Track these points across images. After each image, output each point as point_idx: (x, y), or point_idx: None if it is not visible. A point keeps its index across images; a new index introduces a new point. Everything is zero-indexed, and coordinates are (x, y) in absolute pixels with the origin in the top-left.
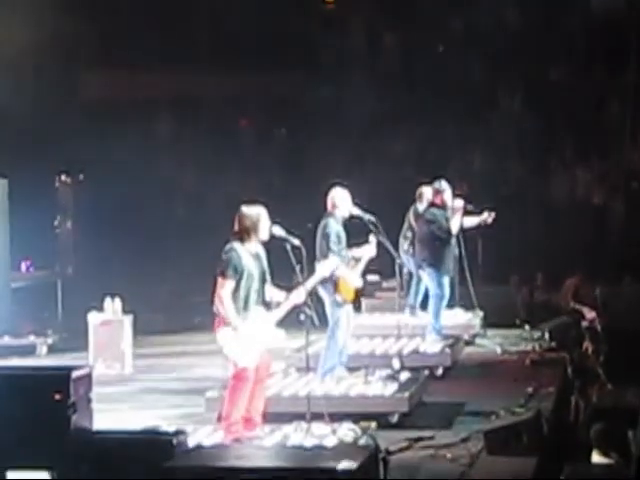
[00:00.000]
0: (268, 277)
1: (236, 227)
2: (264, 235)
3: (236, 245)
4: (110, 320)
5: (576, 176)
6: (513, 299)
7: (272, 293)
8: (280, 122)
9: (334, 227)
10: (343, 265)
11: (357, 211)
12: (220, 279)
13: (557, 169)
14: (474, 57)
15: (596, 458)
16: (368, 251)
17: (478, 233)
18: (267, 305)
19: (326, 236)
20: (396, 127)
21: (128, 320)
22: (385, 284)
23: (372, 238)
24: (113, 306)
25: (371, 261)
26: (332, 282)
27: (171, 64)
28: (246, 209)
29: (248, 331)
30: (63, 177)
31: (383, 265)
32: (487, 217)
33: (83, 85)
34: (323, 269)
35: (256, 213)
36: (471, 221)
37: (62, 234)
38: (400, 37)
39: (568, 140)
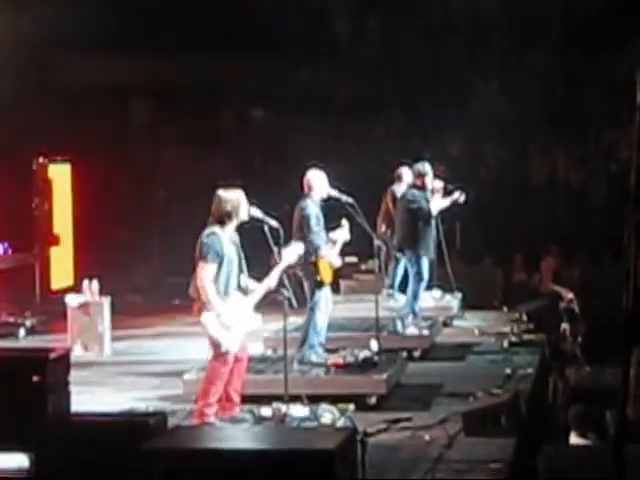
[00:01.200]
0: (244, 264)
1: (215, 211)
2: (244, 218)
3: (217, 229)
4: (88, 302)
5: (555, 157)
6: (491, 281)
7: (247, 282)
8: (259, 105)
9: (313, 209)
10: (323, 246)
11: (335, 193)
12: (202, 263)
13: (536, 151)
14: (453, 41)
15: (574, 439)
16: (342, 235)
17: (457, 214)
18: (242, 290)
19: (306, 218)
20: (376, 110)
21: (106, 302)
22: (363, 266)
23: (344, 222)
24: (91, 288)
25: (349, 243)
26: (311, 263)
27: (151, 48)
28: (226, 193)
29: (230, 315)
30: (41, 159)
31: (361, 247)
32: (459, 196)
33: (62, 68)
34: (289, 254)
35: (236, 197)
36: (443, 202)
37: (40, 216)
38: (381, 21)
39: (547, 122)
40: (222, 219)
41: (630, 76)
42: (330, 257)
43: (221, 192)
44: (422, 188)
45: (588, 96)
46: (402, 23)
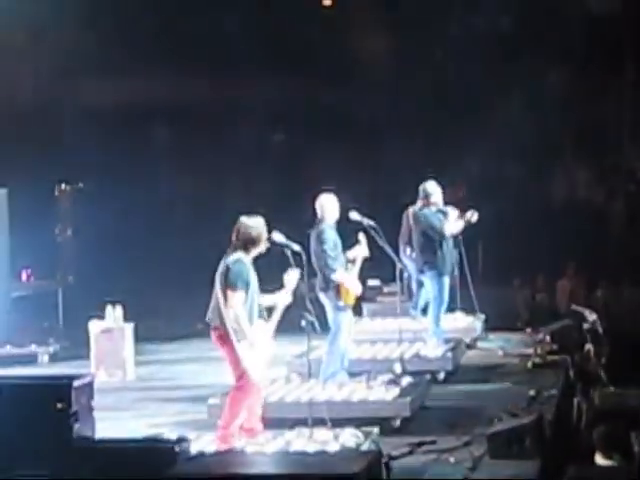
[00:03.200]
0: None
1: (239, 238)
2: (265, 246)
3: (242, 256)
4: (111, 328)
5: (576, 177)
6: (514, 302)
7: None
8: (278, 127)
9: (329, 234)
10: (342, 270)
11: (357, 216)
12: (230, 292)
13: (557, 170)
14: (472, 59)
15: (599, 460)
16: (361, 251)
17: (478, 236)
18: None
19: (322, 243)
20: (395, 130)
21: (129, 328)
22: (386, 289)
23: (362, 237)
24: (114, 314)
25: (372, 265)
26: (333, 287)
27: (170, 71)
28: (250, 220)
29: (259, 345)
30: (63, 185)
31: (384, 269)
32: (471, 216)
33: (82, 92)
34: (291, 282)
35: (261, 224)
36: (457, 225)
37: (62, 242)
38: (399, 41)
39: (567, 141)
40: (246, 246)
41: None
42: (349, 282)
43: (244, 219)
44: (430, 206)
45: (608, 115)
46: (421, 42)
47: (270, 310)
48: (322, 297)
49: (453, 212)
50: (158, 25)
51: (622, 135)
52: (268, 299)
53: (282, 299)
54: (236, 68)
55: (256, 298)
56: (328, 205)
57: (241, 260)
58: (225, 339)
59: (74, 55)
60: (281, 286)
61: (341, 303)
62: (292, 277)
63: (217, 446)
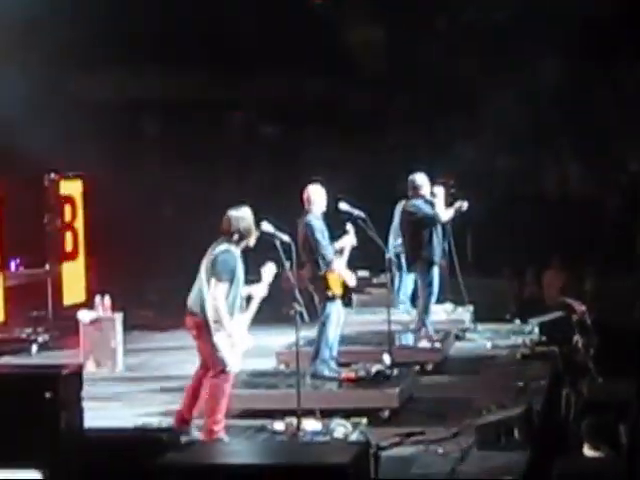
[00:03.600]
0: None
1: (228, 229)
2: (254, 239)
3: (231, 247)
4: (100, 318)
5: (567, 170)
6: (503, 293)
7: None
8: (269, 119)
9: (317, 224)
10: (333, 259)
11: (346, 207)
12: (215, 281)
13: (548, 163)
14: (464, 51)
15: (587, 452)
16: (348, 241)
17: (468, 226)
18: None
19: (312, 233)
20: (386, 122)
21: (119, 317)
22: (375, 280)
23: (349, 227)
24: (103, 304)
25: (361, 256)
26: (321, 277)
27: (162, 64)
28: (238, 212)
29: (237, 336)
30: (52, 175)
31: (373, 261)
32: (460, 205)
33: (73, 84)
34: (267, 275)
35: (249, 216)
36: (447, 213)
37: (51, 233)
38: (391, 33)
39: (559, 134)
40: (235, 238)
41: None
42: (341, 272)
43: (233, 211)
44: (419, 198)
45: (601, 108)
46: (412, 34)
47: (248, 301)
48: (311, 288)
49: (440, 200)
50: (150, 20)
51: (615, 127)
52: (244, 290)
53: (258, 291)
54: (226, 61)
55: (240, 291)
56: (315, 196)
57: (229, 251)
58: (202, 327)
59: (64, 47)
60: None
61: (330, 293)
62: (269, 270)
63: (204, 437)
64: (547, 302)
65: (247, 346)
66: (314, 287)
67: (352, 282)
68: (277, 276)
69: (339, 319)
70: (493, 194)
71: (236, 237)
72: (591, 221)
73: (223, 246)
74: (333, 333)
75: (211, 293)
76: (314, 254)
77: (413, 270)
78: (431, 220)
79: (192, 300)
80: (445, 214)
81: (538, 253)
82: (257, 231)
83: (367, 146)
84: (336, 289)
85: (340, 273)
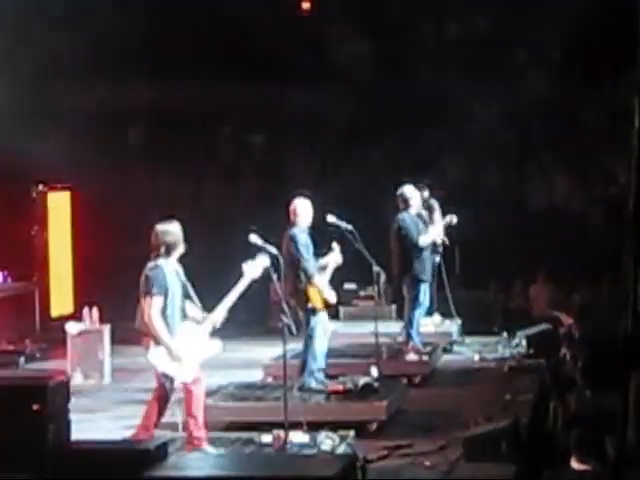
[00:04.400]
0: (191, 293)
1: (156, 244)
2: (182, 250)
3: (160, 262)
4: (88, 330)
5: (555, 182)
6: (491, 306)
7: (193, 312)
8: (257, 129)
9: (301, 237)
10: (316, 273)
11: (334, 220)
12: (147, 298)
13: (536, 175)
14: (450, 66)
15: (574, 465)
16: (333, 258)
17: (456, 240)
18: (193, 319)
19: (296, 247)
20: (373, 135)
21: (106, 329)
22: (362, 292)
23: (335, 245)
24: (91, 315)
25: (348, 269)
26: (302, 290)
27: (149, 74)
28: (165, 226)
29: (180, 347)
30: (40, 187)
31: (360, 273)
32: (450, 220)
33: (60, 95)
34: (253, 268)
35: (176, 229)
36: (437, 229)
37: (39, 244)
38: (374, 45)
39: (547, 146)
40: (164, 251)
41: (629, 101)
42: (322, 287)
43: (159, 226)
44: (411, 210)
45: (587, 120)
46: (399, 46)
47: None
48: (292, 301)
49: (437, 212)
50: (137, 29)
51: (601, 139)
52: (322, 261)
53: (333, 259)
54: (214, 71)
55: (177, 301)
56: (302, 210)
57: (157, 266)
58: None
59: (53, 56)
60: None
61: (311, 306)
62: (336, 246)
63: (188, 449)
64: (535, 315)
65: (209, 353)
66: (296, 300)
67: (332, 299)
68: (265, 289)
69: (325, 331)
70: (480, 207)
71: (162, 250)
72: (578, 234)
73: (151, 263)
74: (320, 345)
75: (145, 310)
76: (296, 267)
77: (402, 283)
78: (410, 243)
79: (137, 321)
80: (430, 235)
81: (525, 266)
82: (182, 243)
83: (354, 158)
84: (317, 302)
85: (321, 289)
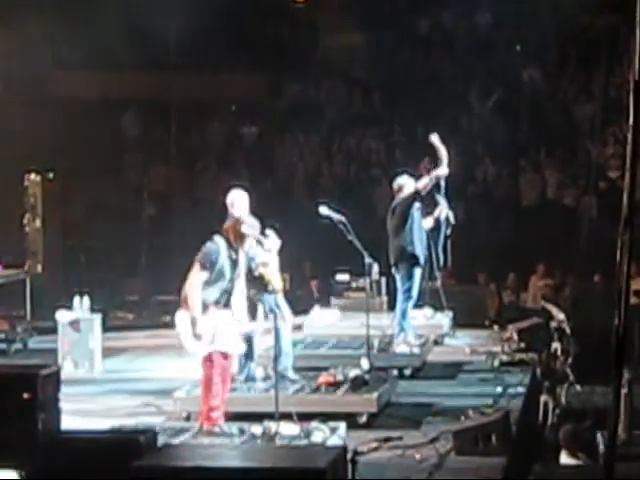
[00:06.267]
0: (243, 282)
1: (227, 225)
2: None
3: (219, 239)
4: (79, 319)
5: (546, 175)
6: (482, 299)
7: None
8: (249, 121)
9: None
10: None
11: (326, 211)
12: (196, 266)
13: (527, 168)
14: (444, 57)
15: (564, 459)
16: (273, 243)
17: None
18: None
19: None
20: (366, 127)
21: (97, 318)
22: (354, 284)
23: (268, 232)
24: (82, 304)
25: (341, 260)
26: (258, 278)
27: (140, 64)
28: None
29: (207, 326)
30: (32, 175)
31: (352, 265)
32: (439, 212)
33: (52, 83)
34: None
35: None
36: (426, 223)
37: (31, 232)
38: (372, 37)
39: (538, 140)
40: (229, 234)
41: (620, 96)
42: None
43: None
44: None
45: (580, 115)
46: (394, 39)
47: None
48: (252, 294)
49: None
50: (131, 20)
51: (593, 133)
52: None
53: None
54: (208, 62)
55: (225, 283)
56: (238, 201)
57: (215, 242)
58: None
59: (46, 44)
60: None
61: (270, 288)
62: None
63: (204, 425)
64: (528, 308)
65: (235, 351)
66: (255, 292)
67: (279, 285)
68: None
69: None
70: (472, 200)
71: (229, 234)
72: (573, 228)
73: (214, 237)
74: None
75: (190, 274)
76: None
77: (396, 272)
78: (407, 219)
79: (184, 285)
80: (425, 223)
81: (517, 259)
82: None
83: (347, 149)
84: (276, 283)
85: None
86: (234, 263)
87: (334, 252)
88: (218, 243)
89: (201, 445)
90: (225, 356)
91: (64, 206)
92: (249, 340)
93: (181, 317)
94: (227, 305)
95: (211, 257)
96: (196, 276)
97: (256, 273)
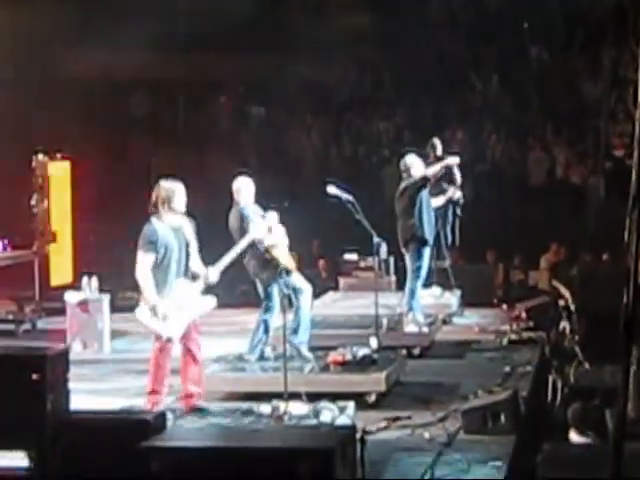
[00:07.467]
0: (194, 248)
1: (152, 200)
2: (180, 207)
3: (153, 219)
4: (87, 299)
5: (554, 155)
6: (491, 278)
7: (196, 267)
8: (257, 101)
9: (249, 211)
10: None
11: (335, 190)
12: (139, 253)
13: (535, 148)
14: (452, 37)
15: (574, 437)
16: (272, 220)
17: (456, 211)
18: (193, 276)
19: (247, 220)
20: (375, 107)
21: (106, 299)
22: (362, 263)
23: (269, 214)
24: (90, 285)
25: (349, 240)
26: (268, 260)
27: (149, 45)
28: (163, 182)
29: (169, 304)
30: (40, 156)
31: (361, 244)
32: (453, 193)
33: (61, 65)
34: (257, 227)
35: (171, 186)
36: (438, 200)
37: (39, 213)
38: (381, 17)
39: (546, 119)
40: (157, 207)
41: (629, 74)
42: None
43: (161, 181)
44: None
45: (588, 93)
46: (402, 19)
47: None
48: (263, 276)
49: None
50: (137, 2)
51: (601, 113)
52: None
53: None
54: (216, 43)
55: (174, 257)
56: (244, 188)
57: (150, 223)
58: None
59: (53, 24)
60: None
61: (282, 268)
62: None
63: (145, 407)
64: (539, 286)
65: (201, 310)
66: (268, 275)
67: (291, 265)
68: None
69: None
70: (481, 179)
71: (157, 207)
72: (579, 206)
73: (149, 220)
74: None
75: (136, 266)
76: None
77: (405, 252)
78: (414, 200)
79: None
80: (434, 202)
81: (525, 238)
82: (183, 202)
83: (356, 130)
84: (287, 263)
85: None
86: (174, 243)
87: (342, 231)
88: (155, 224)
89: (211, 426)
90: (168, 339)
91: (72, 187)
92: (265, 322)
93: (140, 311)
94: (171, 288)
95: (150, 238)
96: (142, 262)
97: (267, 256)
